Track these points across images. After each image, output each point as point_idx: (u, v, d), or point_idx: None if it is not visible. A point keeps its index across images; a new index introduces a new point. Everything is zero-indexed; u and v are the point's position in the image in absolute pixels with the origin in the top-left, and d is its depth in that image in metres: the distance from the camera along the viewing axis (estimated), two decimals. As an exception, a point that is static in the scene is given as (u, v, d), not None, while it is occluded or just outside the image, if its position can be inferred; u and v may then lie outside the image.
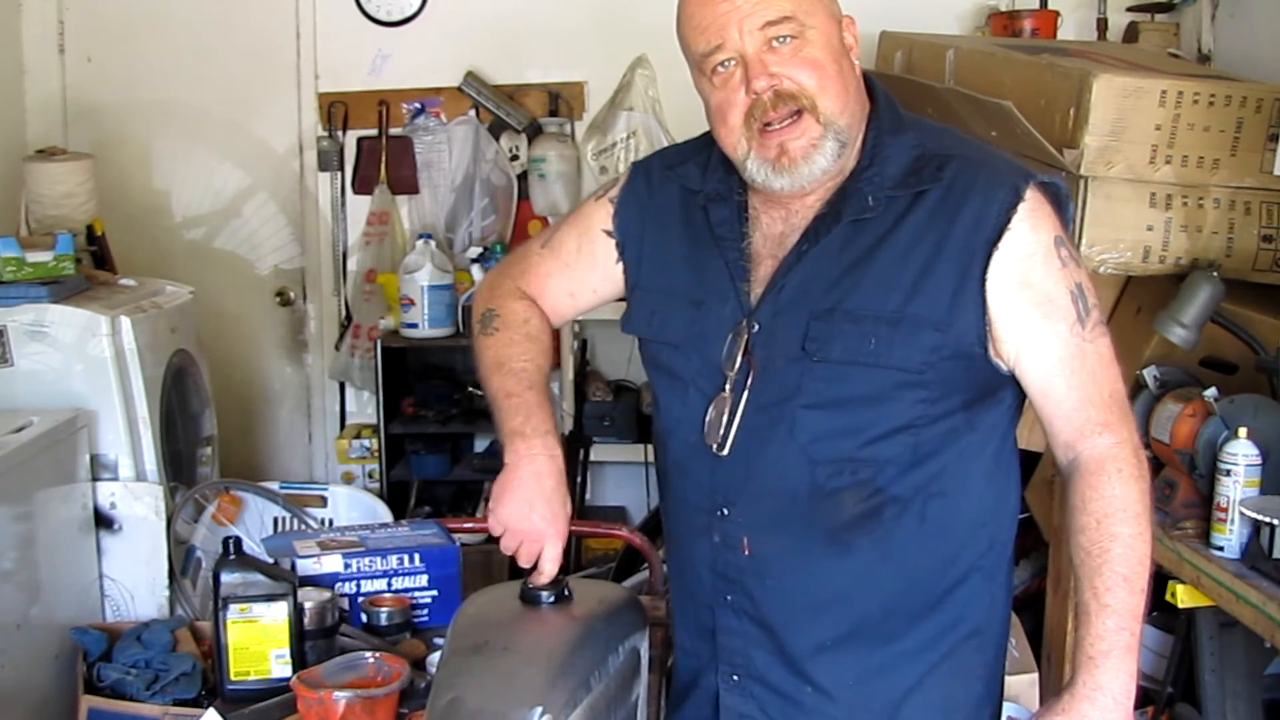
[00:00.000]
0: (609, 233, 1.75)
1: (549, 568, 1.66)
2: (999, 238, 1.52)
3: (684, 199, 1.70)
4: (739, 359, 1.58)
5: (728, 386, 1.59)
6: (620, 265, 1.75)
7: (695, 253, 1.66)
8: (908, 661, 1.62)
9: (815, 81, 1.52)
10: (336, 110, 4.28)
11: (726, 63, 1.54)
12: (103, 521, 3.03)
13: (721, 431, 1.59)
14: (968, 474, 1.60)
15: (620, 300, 1.78)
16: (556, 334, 4.10)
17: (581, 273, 1.79)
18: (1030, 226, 1.53)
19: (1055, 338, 1.54)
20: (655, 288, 1.70)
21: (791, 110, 1.52)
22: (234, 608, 2.00)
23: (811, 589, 1.61)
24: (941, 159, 1.57)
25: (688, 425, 1.63)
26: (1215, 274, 2.52)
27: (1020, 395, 1.61)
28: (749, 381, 1.58)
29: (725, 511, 1.62)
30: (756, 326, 1.58)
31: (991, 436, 1.61)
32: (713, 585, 1.66)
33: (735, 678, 1.67)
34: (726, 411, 1.58)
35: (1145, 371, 2.60)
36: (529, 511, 1.64)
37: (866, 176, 1.57)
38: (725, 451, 1.59)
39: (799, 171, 1.54)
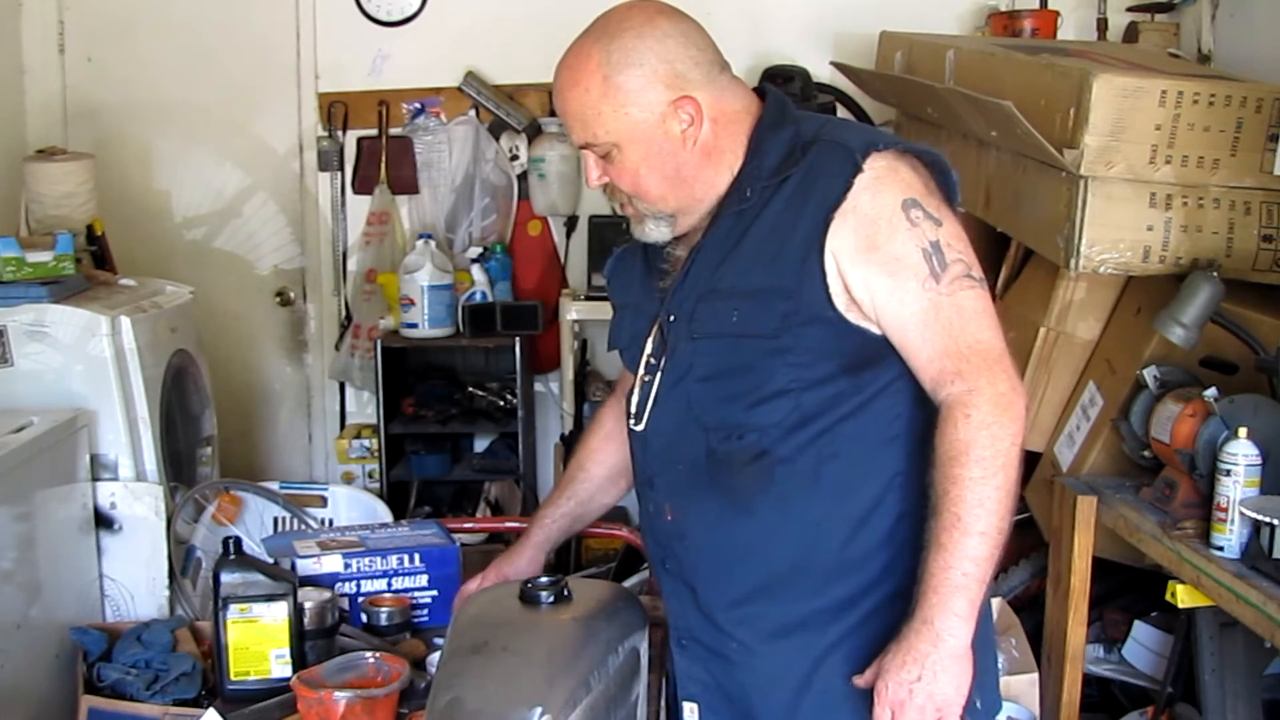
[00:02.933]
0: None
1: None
2: (838, 205, 1.61)
3: None
4: (651, 345, 1.76)
5: (641, 369, 1.77)
6: None
7: (645, 268, 1.85)
8: (826, 619, 1.69)
9: (629, 186, 1.72)
10: (336, 110, 4.28)
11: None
12: (103, 521, 3.02)
13: (635, 408, 1.77)
14: (863, 437, 1.67)
15: None
16: (556, 334, 4.12)
17: None
18: (873, 193, 1.62)
19: (906, 294, 1.61)
20: (620, 304, 1.92)
21: (619, 199, 1.77)
22: (234, 608, 2.01)
23: (721, 548, 1.72)
24: (807, 144, 1.68)
25: (630, 413, 1.81)
26: (1215, 274, 2.52)
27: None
28: (662, 364, 1.74)
29: (653, 483, 1.78)
30: (672, 317, 1.74)
31: (888, 400, 1.67)
32: (654, 553, 1.82)
33: (683, 641, 1.79)
34: (640, 391, 1.77)
35: (1145, 371, 2.61)
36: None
37: (747, 171, 1.71)
38: (640, 426, 1.76)
39: (639, 235, 1.78)
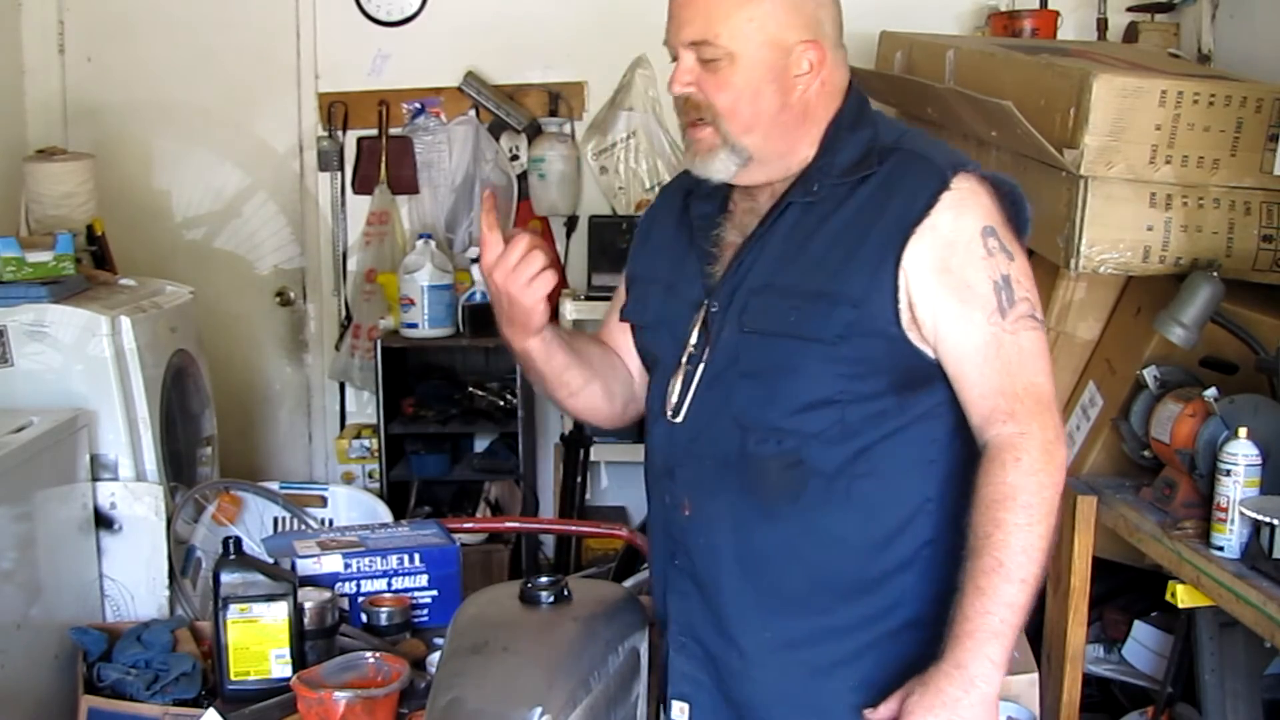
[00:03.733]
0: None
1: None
2: (920, 221, 1.58)
3: (683, 201, 1.81)
4: (696, 334, 1.69)
5: (684, 359, 1.70)
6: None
7: (677, 244, 1.79)
8: (834, 638, 1.66)
9: (721, 104, 1.63)
10: (336, 110, 4.28)
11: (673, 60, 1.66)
12: (103, 521, 3.03)
13: (675, 399, 1.70)
14: (900, 459, 1.64)
15: None
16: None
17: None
18: (955, 214, 1.59)
19: (971, 324, 1.58)
20: (643, 278, 1.84)
21: (695, 117, 1.65)
22: (234, 608, 2.01)
23: (740, 552, 1.67)
24: (886, 150, 1.65)
25: (656, 397, 1.75)
26: (1215, 274, 2.52)
27: None
28: (705, 355, 1.68)
29: (674, 474, 1.72)
30: (715, 305, 1.68)
31: (929, 425, 1.64)
32: (664, 546, 1.77)
33: (683, 639, 1.75)
34: (681, 381, 1.70)
35: (1145, 371, 2.60)
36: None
37: (817, 166, 1.66)
38: (679, 419, 1.70)
39: (699, 166, 1.68)
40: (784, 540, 1.65)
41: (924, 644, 1.64)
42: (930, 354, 1.61)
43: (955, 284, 1.57)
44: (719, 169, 1.66)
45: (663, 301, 1.77)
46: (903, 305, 1.59)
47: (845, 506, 1.63)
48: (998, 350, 1.57)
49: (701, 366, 1.68)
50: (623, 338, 1.88)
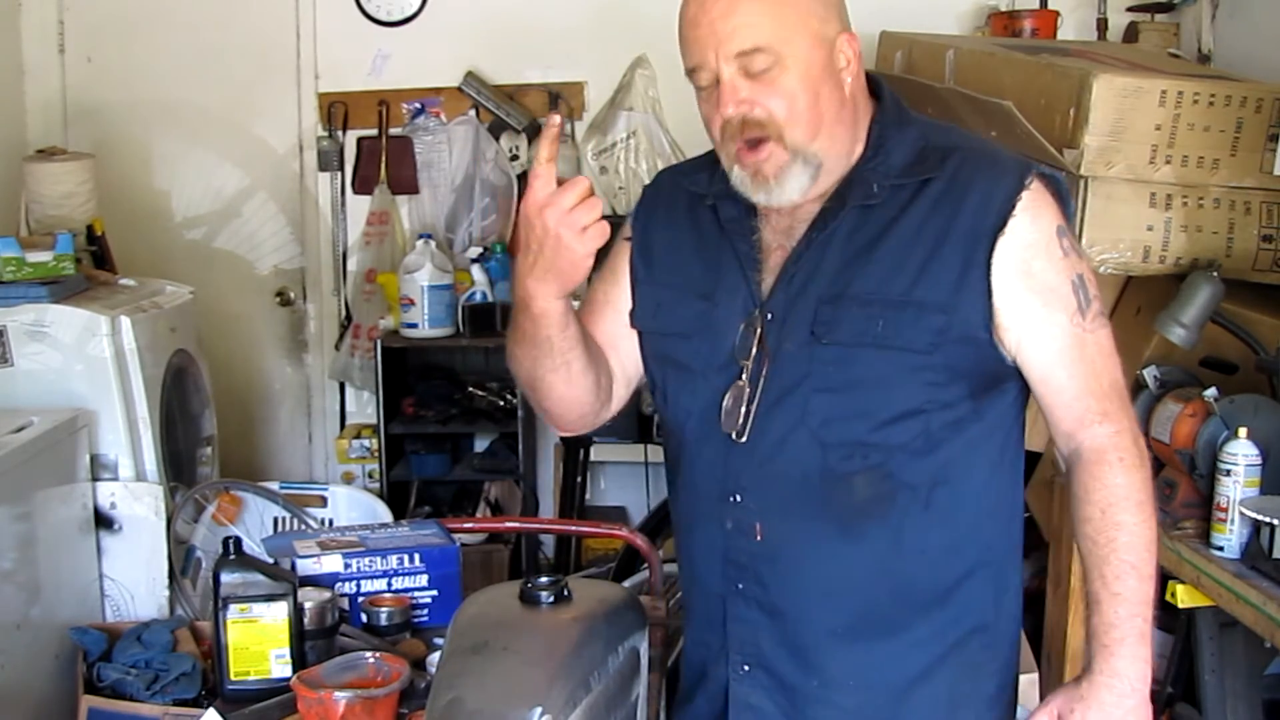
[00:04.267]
0: (628, 239, 1.77)
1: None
2: (1003, 225, 1.55)
3: (692, 202, 1.72)
4: (754, 348, 1.60)
5: (744, 375, 1.60)
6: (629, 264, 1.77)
7: (704, 248, 1.68)
8: (914, 652, 1.63)
9: (784, 112, 1.54)
10: (336, 110, 4.28)
11: (706, 82, 1.56)
12: (103, 521, 3.03)
13: (740, 419, 1.60)
14: (973, 464, 1.62)
15: None
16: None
17: (621, 289, 1.77)
18: (1033, 216, 1.56)
19: (1055, 327, 1.56)
20: (662, 282, 1.72)
21: (756, 136, 1.54)
22: (234, 608, 2.00)
23: (823, 575, 1.61)
24: (944, 151, 1.60)
25: (698, 415, 1.65)
26: (1215, 274, 2.52)
27: (1025, 389, 1.63)
28: (764, 370, 1.59)
29: (738, 497, 1.62)
30: (770, 315, 1.60)
31: (998, 428, 1.63)
32: (724, 573, 1.66)
33: (745, 668, 1.67)
34: (745, 399, 1.60)
35: (1145, 371, 2.60)
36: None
37: (871, 166, 1.60)
38: (744, 439, 1.60)
39: (774, 190, 1.57)
40: (870, 558, 1.60)
41: (992, 649, 1.66)
42: (1009, 358, 1.58)
43: (1039, 287, 1.55)
44: (793, 187, 1.57)
45: (700, 311, 1.66)
46: (992, 311, 1.56)
47: (925, 516, 1.60)
48: (1082, 352, 1.57)
49: (762, 381, 1.59)
50: (606, 339, 1.76)
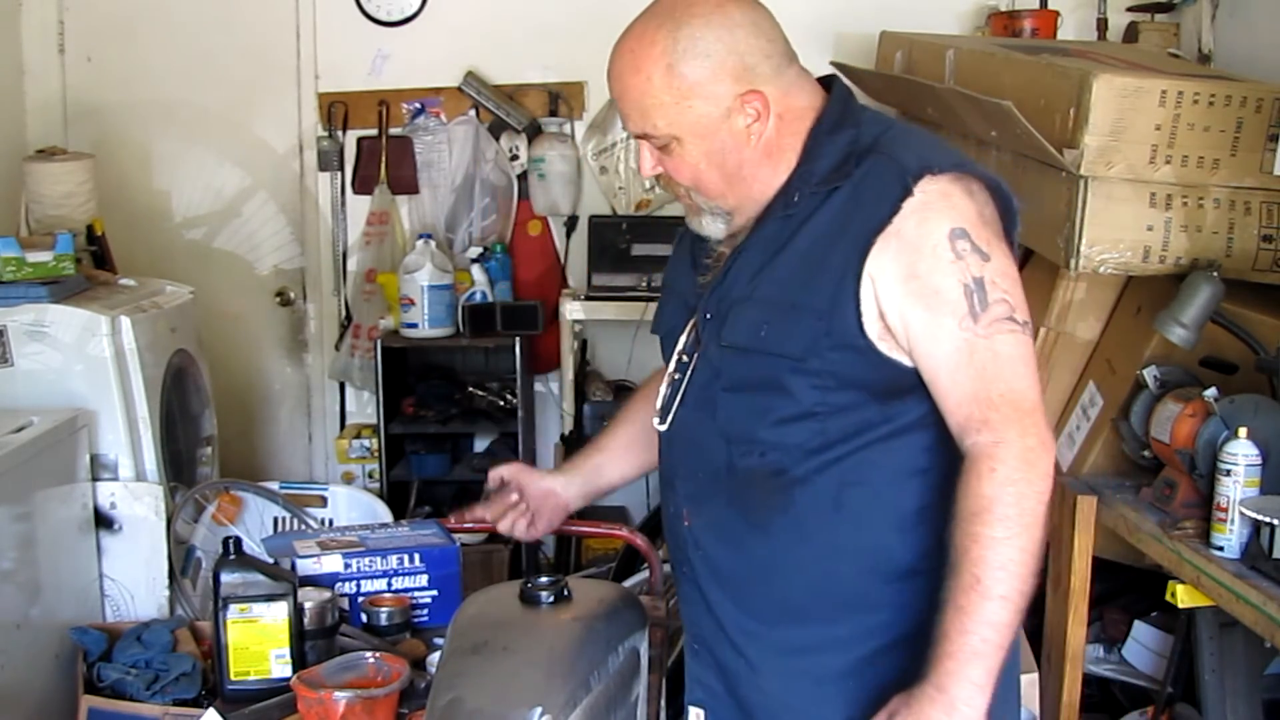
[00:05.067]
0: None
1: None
2: (881, 229, 1.54)
3: None
4: (684, 342, 1.71)
5: (672, 365, 1.72)
6: None
7: (691, 254, 1.78)
8: (836, 649, 1.64)
9: (688, 181, 1.65)
10: (336, 110, 4.28)
11: None
12: (103, 521, 3.03)
13: (661, 406, 1.73)
14: (888, 467, 1.60)
15: None
16: (556, 334, 4.11)
17: None
18: (919, 219, 1.53)
19: (941, 330, 1.52)
20: (663, 288, 1.87)
21: (674, 189, 1.69)
22: (234, 608, 2.01)
23: (736, 564, 1.68)
24: (862, 153, 1.60)
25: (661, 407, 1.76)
26: (1215, 274, 2.52)
27: None
28: (692, 365, 1.69)
29: (675, 485, 1.74)
30: (708, 314, 1.68)
31: (918, 433, 1.60)
32: (673, 554, 1.78)
33: (695, 646, 1.77)
34: (668, 390, 1.72)
35: (1145, 371, 2.60)
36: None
37: (798, 175, 1.63)
38: (665, 426, 1.72)
39: (695, 227, 1.71)
40: (780, 551, 1.64)
41: (916, 660, 1.58)
42: (908, 363, 1.56)
43: (922, 290, 1.52)
44: (710, 229, 1.69)
45: (671, 311, 1.78)
46: (869, 317, 1.54)
47: (836, 516, 1.61)
48: (970, 357, 1.51)
49: (689, 375, 1.69)
50: None
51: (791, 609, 1.65)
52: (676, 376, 1.71)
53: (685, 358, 1.70)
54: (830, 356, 1.56)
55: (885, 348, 1.56)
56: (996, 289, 1.52)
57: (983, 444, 1.50)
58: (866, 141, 1.61)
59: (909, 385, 1.58)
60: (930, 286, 1.52)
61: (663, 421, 1.72)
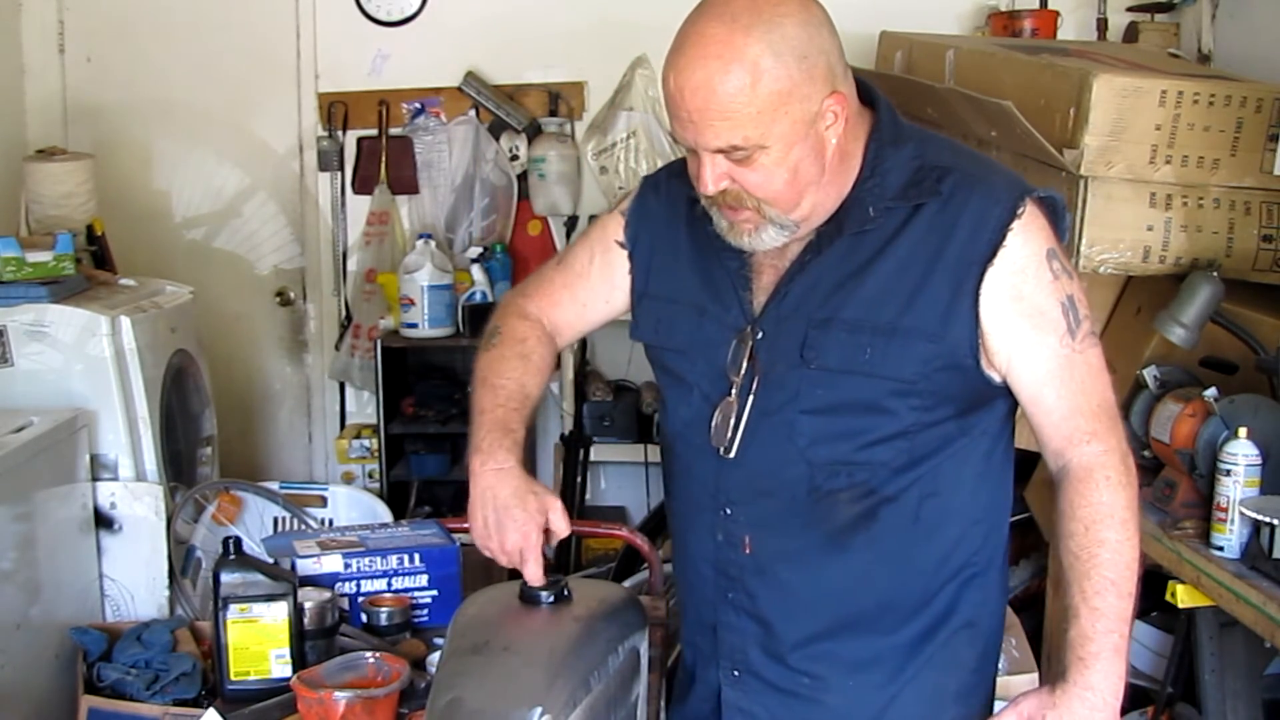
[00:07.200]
0: (621, 244, 1.79)
1: (531, 573, 1.69)
2: (994, 253, 1.55)
3: (690, 207, 1.70)
4: (744, 364, 1.62)
5: (733, 391, 1.62)
6: (630, 276, 1.79)
7: (700, 260, 1.70)
8: (902, 653, 1.66)
9: (762, 192, 1.53)
10: (336, 110, 4.28)
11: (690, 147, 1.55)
12: (103, 521, 3.03)
13: (729, 435, 1.63)
14: (960, 474, 1.64)
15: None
16: (556, 334, 4.10)
17: (594, 285, 1.84)
18: (1023, 241, 1.56)
19: (1045, 349, 1.57)
20: (661, 295, 1.74)
21: (731, 204, 1.55)
22: (234, 608, 2.01)
23: (809, 586, 1.65)
24: (940, 171, 1.59)
25: (694, 428, 1.68)
26: (1215, 274, 2.52)
27: (1014, 399, 1.64)
28: (754, 386, 1.61)
29: (728, 511, 1.66)
30: (760, 334, 1.62)
31: (985, 439, 1.65)
32: (715, 582, 1.70)
33: (736, 673, 1.71)
34: (733, 415, 1.62)
35: (1145, 371, 2.60)
36: (484, 527, 1.69)
37: (867, 188, 1.59)
38: (732, 454, 1.63)
39: (750, 242, 1.58)
40: (855, 569, 1.64)
41: (975, 643, 1.69)
42: (997, 379, 1.59)
43: (1029, 311, 1.56)
44: (769, 241, 1.58)
45: (696, 326, 1.68)
46: (981, 338, 1.57)
47: (913, 528, 1.63)
48: (1072, 372, 1.57)
49: (751, 399, 1.61)
50: (563, 310, 1.86)
51: (861, 623, 1.66)
52: (731, 401, 1.62)
53: (741, 380, 1.61)
54: (937, 378, 1.57)
55: (983, 365, 1.59)
56: (1083, 305, 1.59)
57: (1093, 454, 1.57)
58: (935, 159, 1.60)
59: (989, 399, 1.62)
60: (1035, 306, 1.56)
61: (728, 450, 1.63)
